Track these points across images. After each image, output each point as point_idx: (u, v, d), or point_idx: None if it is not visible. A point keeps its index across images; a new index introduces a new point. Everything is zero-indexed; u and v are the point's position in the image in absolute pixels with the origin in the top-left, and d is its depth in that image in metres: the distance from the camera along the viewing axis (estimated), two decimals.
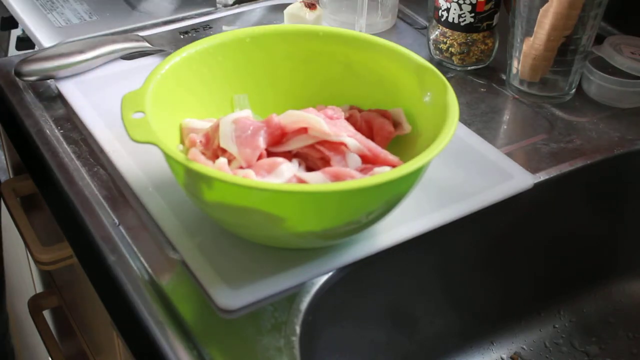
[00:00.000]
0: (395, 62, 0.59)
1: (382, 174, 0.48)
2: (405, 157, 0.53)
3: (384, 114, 0.59)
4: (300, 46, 0.62)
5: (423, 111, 0.57)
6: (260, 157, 0.53)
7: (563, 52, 0.69)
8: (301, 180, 0.51)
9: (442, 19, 0.75)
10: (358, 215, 0.50)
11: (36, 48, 0.80)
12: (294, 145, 0.54)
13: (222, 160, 0.52)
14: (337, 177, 0.51)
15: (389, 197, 0.51)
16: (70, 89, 0.70)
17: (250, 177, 0.50)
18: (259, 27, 0.62)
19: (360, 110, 0.60)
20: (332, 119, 0.55)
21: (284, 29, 0.62)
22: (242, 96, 0.61)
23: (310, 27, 0.62)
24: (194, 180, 0.49)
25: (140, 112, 0.51)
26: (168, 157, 0.50)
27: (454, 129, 0.52)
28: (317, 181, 0.51)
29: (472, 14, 0.73)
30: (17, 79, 0.71)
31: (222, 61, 0.60)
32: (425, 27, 0.83)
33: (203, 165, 0.49)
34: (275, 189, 0.47)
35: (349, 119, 0.58)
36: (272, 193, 0.47)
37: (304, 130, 0.54)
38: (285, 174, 0.51)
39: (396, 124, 0.59)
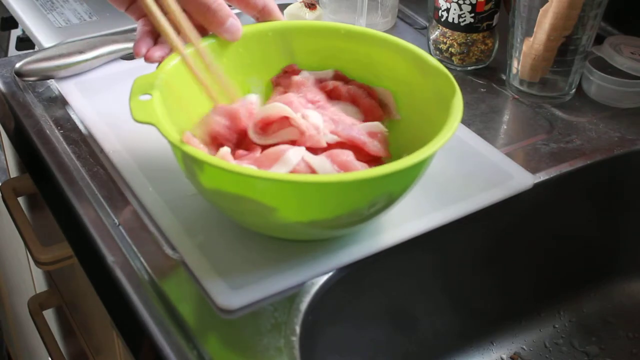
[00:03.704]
0: (411, 63, 0.58)
1: (385, 166, 0.48)
2: (406, 152, 0.52)
3: (370, 93, 0.59)
4: (321, 43, 0.61)
5: (428, 108, 0.57)
6: (251, 144, 0.53)
7: (563, 52, 0.69)
8: (309, 166, 0.51)
9: (442, 19, 0.75)
10: (356, 207, 0.50)
11: (36, 48, 0.80)
12: (280, 137, 0.54)
13: (225, 150, 0.52)
14: (344, 167, 0.51)
15: (384, 191, 0.50)
16: (70, 89, 0.70)
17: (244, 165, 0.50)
18: (282, 21, 0.61)
19: (346, 81, 0.60)
20: (313, 103, 0.56)
21: (306, 24, 0.62)
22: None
23: (333, 24, 0.62)
24: (188, 163, 0.50)
25: (147, 95, 0.51)
26: (167, 140, 0.50)
27: (456, 124, 0.51)
28: (324, 168, 0.51)
29: (472, 14, 0.73)
30: (17, 79, 0.71)
31: (242, 52, 0.60)
32: (425, 27, 0.83)
33: (194, 148, 0.49)
34: (268, 177, 0.47)
35: (332, 91, 0.58)
36: (263, 181, 0.47)
37: (286, 120, 0.54)
38: (292, 160, 0.51)
39: (382, 105, 0.59)
